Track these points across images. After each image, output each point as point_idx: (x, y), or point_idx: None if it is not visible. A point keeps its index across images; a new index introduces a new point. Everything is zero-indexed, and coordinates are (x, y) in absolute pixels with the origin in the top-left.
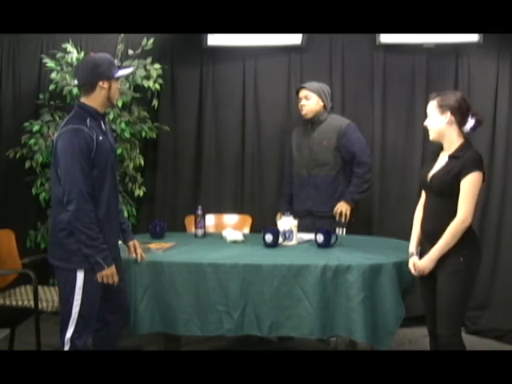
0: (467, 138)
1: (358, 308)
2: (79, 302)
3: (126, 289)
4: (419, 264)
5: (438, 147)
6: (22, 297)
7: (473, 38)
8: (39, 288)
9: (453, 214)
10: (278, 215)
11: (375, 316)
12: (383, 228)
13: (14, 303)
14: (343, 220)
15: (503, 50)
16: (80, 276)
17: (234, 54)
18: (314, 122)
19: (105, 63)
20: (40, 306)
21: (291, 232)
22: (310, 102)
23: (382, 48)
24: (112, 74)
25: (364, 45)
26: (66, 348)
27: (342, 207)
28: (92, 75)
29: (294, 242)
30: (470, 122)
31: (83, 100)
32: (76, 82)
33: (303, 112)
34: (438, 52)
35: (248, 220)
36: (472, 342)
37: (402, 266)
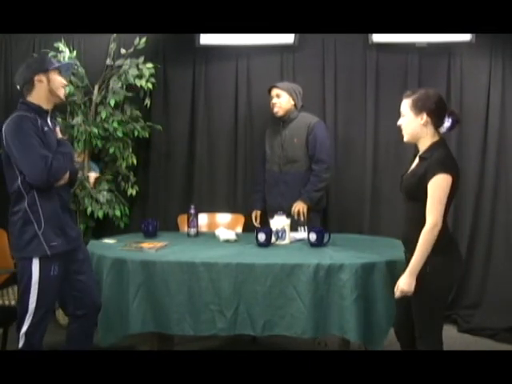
0: (441, 137)
1: (351, 307)
2: (36, 292)
3: (94, 286)
4: (400, 285)
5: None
6: (15, 296)
7: (465, 37)
8: None
9: (421, 218)
10: (254, 213)
11: (368, 315)
12: (375, 226)
13: (6, 303)
14: (302, 219)
15: (495, 50)
16: (36, 264)
17: (227, 53)
18: (284, 120)
19: (36, 60)
20: None
21: (284, 231)
22: (281, 100)
23: (374, 47)
24: (46, 66)
25: (356, 44)
26: (21, 343)
27: (299, 206)
28: (26, 73)
29: (286, 241)
30: (447, 122)
31: (27, 98)
32: (18, 87)
33: (275, 110)
34: (431, 51)
35: (241, 219)
36: (465, 341)
37: (394, 265)
